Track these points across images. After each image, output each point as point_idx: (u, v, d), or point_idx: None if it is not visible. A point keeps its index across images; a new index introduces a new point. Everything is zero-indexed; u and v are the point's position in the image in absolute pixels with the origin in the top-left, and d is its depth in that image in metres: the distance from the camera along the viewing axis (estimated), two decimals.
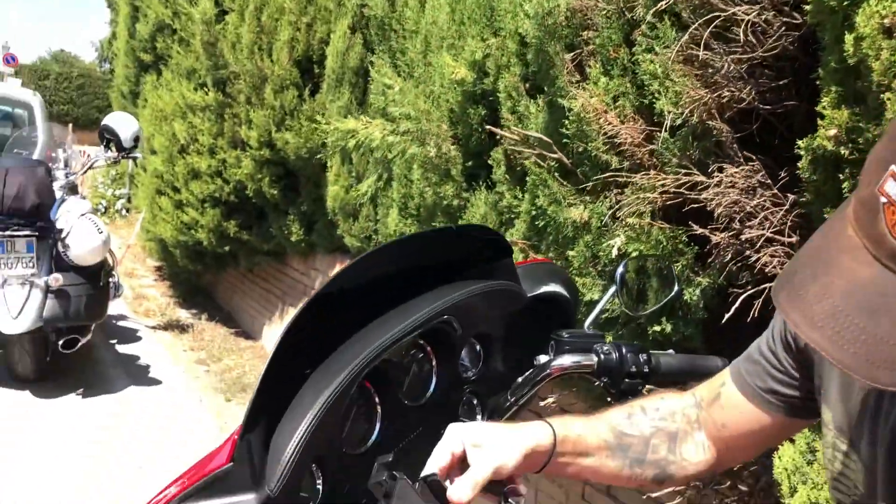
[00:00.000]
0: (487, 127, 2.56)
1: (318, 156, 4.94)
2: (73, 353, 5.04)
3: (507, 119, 2.78)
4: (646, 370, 1.36)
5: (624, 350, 1.36)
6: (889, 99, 1.47)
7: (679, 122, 1.86)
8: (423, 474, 0.98)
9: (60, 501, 3.69)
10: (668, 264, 1.49)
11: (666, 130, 1.86)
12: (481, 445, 1.00)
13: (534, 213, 2.25)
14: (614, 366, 1.36)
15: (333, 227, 5.09)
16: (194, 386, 5.69)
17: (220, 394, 5.58)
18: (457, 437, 1.01)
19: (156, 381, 5.60)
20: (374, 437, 1.21)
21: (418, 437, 1.32)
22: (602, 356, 1.36)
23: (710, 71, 1.71)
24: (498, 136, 3.00)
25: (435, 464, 0.99)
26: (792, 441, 1.84)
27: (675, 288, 1.47)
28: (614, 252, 1.99)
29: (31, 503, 3.63)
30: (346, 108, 4.63)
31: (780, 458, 1.88)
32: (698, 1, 1.65)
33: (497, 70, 2.92)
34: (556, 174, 2.22)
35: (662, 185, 1.79)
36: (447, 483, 0.98)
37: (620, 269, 1.44)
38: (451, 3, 3.15)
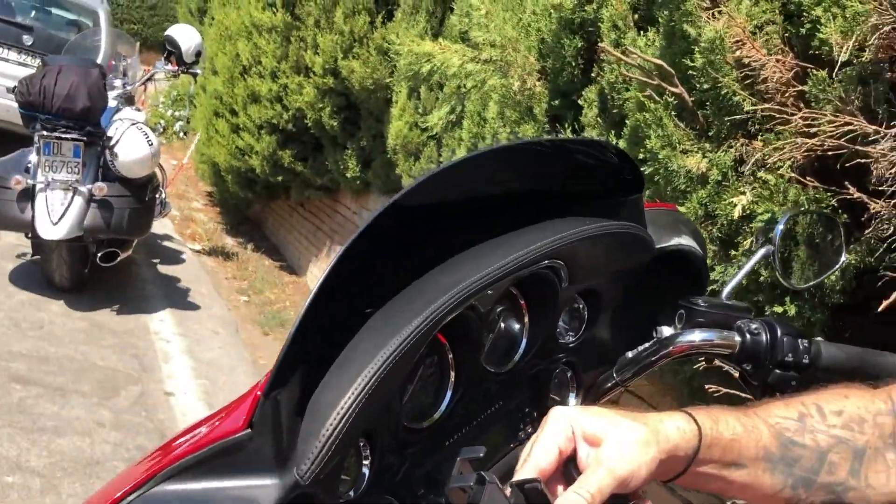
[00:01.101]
0: (600, 45, 2.19)
1: (388, 81, 4.61)
2: (112, 267, 4.86)
3: (609, 54, 2.41)
4: (804, 360, 1.02)
5: (779, 331, 1.02)
6: None
7: (846, 57, 1.48)
8: (518, 477, 0.67)
9: (80, 419, 3.51)
10: (837, 224, 1.14)
11: (832, 68, 1.49)
12: (602, 441, 0.69)
13: (641, 156, 1.90)
14: (763, 350, 1.02)
15: (392, 166, 4.78)
16: (232, 315, 5.49)
17: (258, 326, 5.37)
18: (567, 425, 0.70)
19: (194, 306, 5.41)
20: (442, 408, 0.91)
21: (496, 413, 1.01)
22: (748, 336, 1.03)
23: None
24: (594, 74, 2.64)
25: (535, 463, 0.68)
26: None
27: (843, 257, 1.12)
28: (737, 212, 1.64)
29: (54, 417, 3.45)
30: (420, 38, 4.28)
31: None
32: None
33: None
34: (673, 114, 1.86)
35: (816, 133, 1.42)
36: (547, 492, 0.67)
37: (781, 226, 1.10)
38: None
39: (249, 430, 0.65)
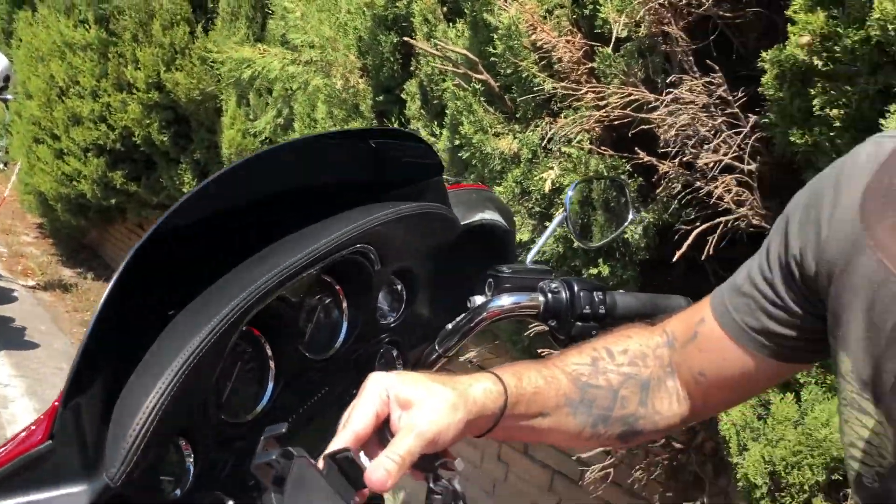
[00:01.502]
0: (405, 39, 2.26)
1: (216, 90, 4.51)
2: None
3: (431, 45, 2.48)
4: (601, 311, 1.12)
5: (576, 287, 1.11)
6: None
7: (625, 33, 1.62)
8: (330, 448, 0.71)
9: None
10: (624, 185, 1.25)
11: (611, 44, 1.61)
12: (413, 405, 0.73)
13: (457, 142, 1.98)
14: (564, 306, 1.12)
15: None
16: (75, 350, 5.21)
17: None
18: (382, 389, 0.74)
19: (32, 345, 5.10)
20: (265, 400, 0.93)
21: (322, 400, 1.05)
22: (550, 295, 1.12)
23: None
24: (412, 68, 2.71)
25: (353, 428, 0.72)
26: None
27: (630, 215, 1.23)
28: (548, 186, 1.75)
29: None
30: (242, 44, 4.22)
31: (727, 413, 1.70)
32: None
33: None
34: (482, 99, 1.95)
35: (604, 106, 1.54)
36: (363, 459, 0.71)
37: (570, 192, 1.19)
38: None
39: (50, 441, 0.65)
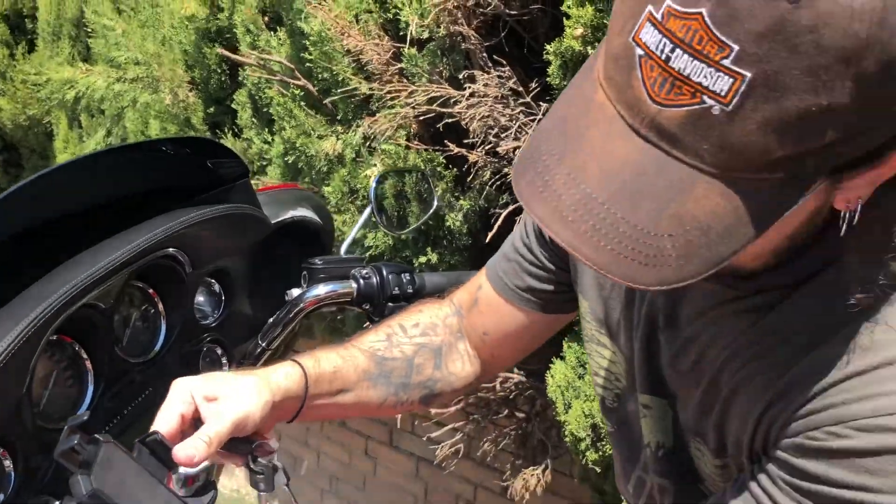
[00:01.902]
0: (218, 50, 2.29)
1: (41, 110, 4.34)
2: None
3: (249, 54, 2.52)
4: (410, 290, 1.22)
5: (385, 271, 1.21)
6: None
7: (426, 35, 1.73)
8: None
9: None
10: (424, 175, 1.36)
11: (413, 45, 1.72)
12: (217, 398, 0.80)
13: (284, 147, 2.04)
14: (375, 290, 1.21)
15: None
16: None
17: None
18: (185, 392, 0.81)
19: None
20: (84, 405, 0.97)
21: (148, 401, 1.09)
22: (362, 281, 1.21)
23: None
24: (241, 78, 2.74)
25: (159, 428, 0.78)
26: (562, 358, 1.81)
27: (435, 202, 1.34)
28: (372, 182, 1.84)
29: None
30: (66, 65, 4.08)
31: (552, 376, 1.85)
32: None
33: (232, 3, 2.65)
34: (303, 104, 2.02)
35: (414, 103, 1.65)
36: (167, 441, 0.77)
37: (373, 185, 1.29)
38: None
39: None
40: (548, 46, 1.60)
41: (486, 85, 1.59)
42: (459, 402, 2.16)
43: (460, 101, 1.65)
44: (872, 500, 0.55)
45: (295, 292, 1.23)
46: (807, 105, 0.46)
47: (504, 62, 1.62)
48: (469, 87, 1.63)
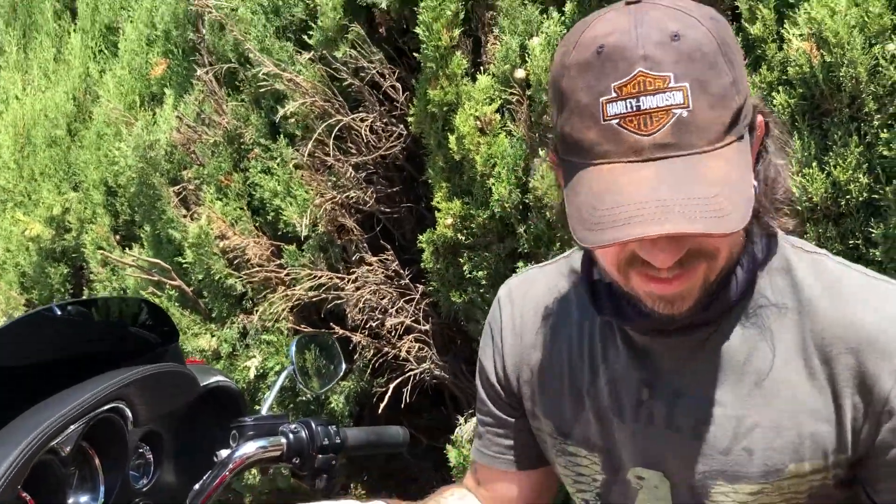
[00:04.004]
0: (103, 253, 2.32)
1: None
2: None
3: (99, 273, 2.56)
4: (338, 441, 1.29)
5: (314, 425, 1.27)
6: (493, 185, 1.71)
7: (307, 231, 1.91)
8: None
9: None
10: (333, 342, 1.47)
11: (292, 242, 1.89)
12: None
13: None
14: (305, 443, 1.26)
15: None
16: None
17: None
18: None
19: None
20: None
21: None
22: (291, 435, 1.26)
23: (333, 178, 1.82)
24: (84, 296, 2.72)
25: None
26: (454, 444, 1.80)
27: (343, 365, 1.45)
28: (252, 373, 1.91)
29: None
30: None
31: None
32: (317, 110, 1.77)
33: (80, 224, 2.70)
34: (178, 304, 2.08)
35: (296, 296, 1.80)
36: None
37: (293, 347, 1.37)
38: (18, 160, 2.87)
39: None
40: (421, 237, 1.83)
41: (369, 269, 1.77)
42: None
43: (344, 287, 1.81)
44: None
45: (224, 453, 1.25)
46: (722, 83, 0.70)
47: (388, 246, 1.82)
48: (354, 272, 1.80)
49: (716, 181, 0.68)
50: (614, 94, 0.69)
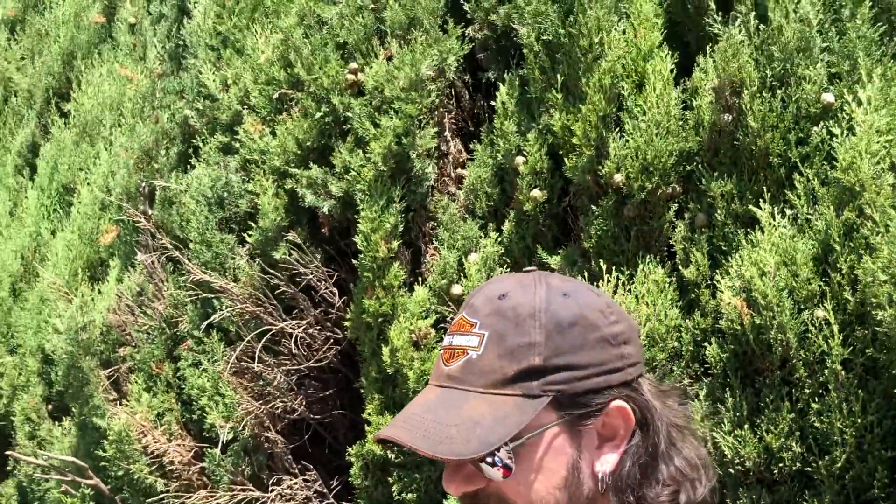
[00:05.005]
0: (8, 452, 2.18)
1: None
2: None
3: (25, 445, 2.42)
4: None
5: None
6: None
7: (231, 436, 1.81)
8: None
9: None
10: None
11: (220, 446, 1.79)
12: None
13: None
14: None
15: None
16: None
17: None
18: None
19: None
20: None
21: None
22: None
23: (262, 383, 1.75)
24: (10, 468, 2.57)
25: None
26: None
27: None
28: None
29: None
30: None
31: None
32: (248, 315, 1.71)
33: (13, 391, 2.58)
34: (93, 503, 1.95)
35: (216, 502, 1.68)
36: None
37: None
38: None
39: None
40: (350, 449, 1.73)
41: (290, 488, 1.66)
42: None
43: (267, 502, 1.70)
44: None
45: None
46: (517, 342, 0.75)
47: (310, 465, 1.71)
48: (274, 489, 1.68)
49: (466, 416, 0.74)
50: (449, 329, 0.81)
